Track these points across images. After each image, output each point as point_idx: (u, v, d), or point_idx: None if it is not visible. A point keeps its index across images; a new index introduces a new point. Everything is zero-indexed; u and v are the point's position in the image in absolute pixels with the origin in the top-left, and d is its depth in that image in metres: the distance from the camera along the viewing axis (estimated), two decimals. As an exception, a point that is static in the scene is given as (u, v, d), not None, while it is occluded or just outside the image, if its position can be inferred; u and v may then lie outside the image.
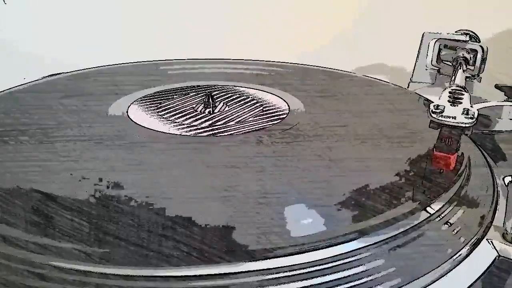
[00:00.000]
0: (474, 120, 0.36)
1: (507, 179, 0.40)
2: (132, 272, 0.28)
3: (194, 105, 0.48)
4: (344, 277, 0.29)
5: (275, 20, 0.75)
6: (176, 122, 0.44)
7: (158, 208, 0.32)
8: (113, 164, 0.38)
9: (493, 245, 0.33)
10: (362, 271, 0.29)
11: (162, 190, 0.34)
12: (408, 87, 0.61)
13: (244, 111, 0.47)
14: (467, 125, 0.36)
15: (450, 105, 0.38)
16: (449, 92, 0.40)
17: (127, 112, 0.46)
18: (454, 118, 0.37)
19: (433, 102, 0.38)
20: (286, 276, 0.28)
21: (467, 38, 0.58)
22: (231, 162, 0.38)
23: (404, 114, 0.48)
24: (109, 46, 0.70)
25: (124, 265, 0.28)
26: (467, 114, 0.37)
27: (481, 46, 0.57)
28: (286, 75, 0.60)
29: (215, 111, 0.47)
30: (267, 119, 0.45)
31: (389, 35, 0.72)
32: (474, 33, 0.59)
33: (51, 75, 0.57)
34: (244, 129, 0.43)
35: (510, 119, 0.50)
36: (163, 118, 0.45)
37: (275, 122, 0.45)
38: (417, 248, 0.31)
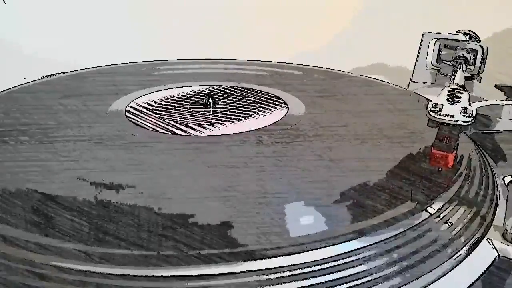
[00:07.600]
0: (472, 118, 0.36)
1: (507, 179, 0.40)
2: (132, 272, 0.28)
3: (194, 105, 0.48)
4: (344, 277, 0.29)
5: (275, 20, 0.75)
6: (175, 122, 0.44)
7: (158, 208, 0.32)
8: (113, 164, 0.38)
9: (493, 245, 0.33)
10: (362, 271, 0.29)
11: (162, 190, 0.34)
12: (408, 87, 0.61)
13: (244, 111, 0.47)
14: (465, 124, 0.36)
15: (449, 103, 0.38)
16: (448, 91, 0.40)
17: (126, 112, 0.46)
18: (452, 116, 0.36)
19: (432, 101, 0.38)
20: (286, 276, 0.28)
21: (467, 38, 0.58)
22: (231, 162, 0.38)
23: (404, 114, 0.48)
24: (108, 46, 0.70)
25: (124, 265, 0.28)
26: (465, 112, 0.37)
27: (481, 46, 0.57)
28: (286, 75, 0.60)
29: (215, 111, 0.47)
30: (267, 119, 0.45)
31: (389, 35, 0.72)
32: (474, 33, 0.59)
33: (51, 75, 0.57)
34: (244, 128, 0.43)
35: (510, 119, 0.50)
36: (163, 118, 0.45)
37: (275, 121, 0.45)
38: (417, 248, 0.31)
